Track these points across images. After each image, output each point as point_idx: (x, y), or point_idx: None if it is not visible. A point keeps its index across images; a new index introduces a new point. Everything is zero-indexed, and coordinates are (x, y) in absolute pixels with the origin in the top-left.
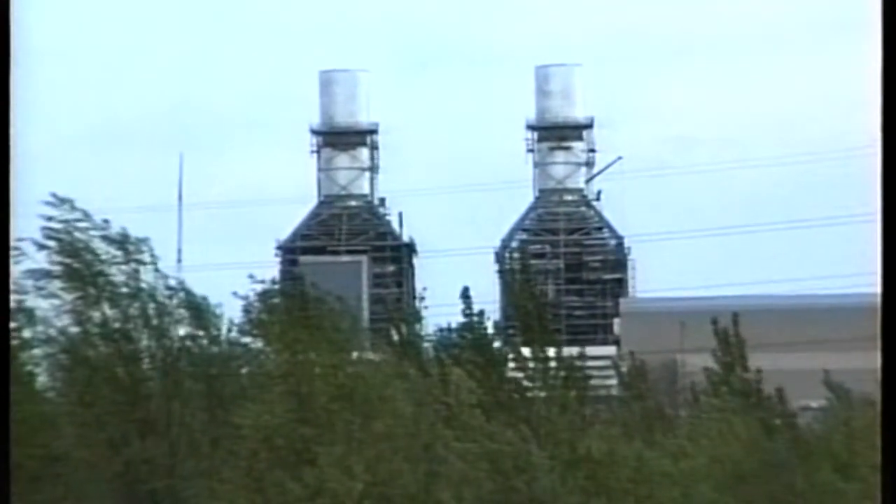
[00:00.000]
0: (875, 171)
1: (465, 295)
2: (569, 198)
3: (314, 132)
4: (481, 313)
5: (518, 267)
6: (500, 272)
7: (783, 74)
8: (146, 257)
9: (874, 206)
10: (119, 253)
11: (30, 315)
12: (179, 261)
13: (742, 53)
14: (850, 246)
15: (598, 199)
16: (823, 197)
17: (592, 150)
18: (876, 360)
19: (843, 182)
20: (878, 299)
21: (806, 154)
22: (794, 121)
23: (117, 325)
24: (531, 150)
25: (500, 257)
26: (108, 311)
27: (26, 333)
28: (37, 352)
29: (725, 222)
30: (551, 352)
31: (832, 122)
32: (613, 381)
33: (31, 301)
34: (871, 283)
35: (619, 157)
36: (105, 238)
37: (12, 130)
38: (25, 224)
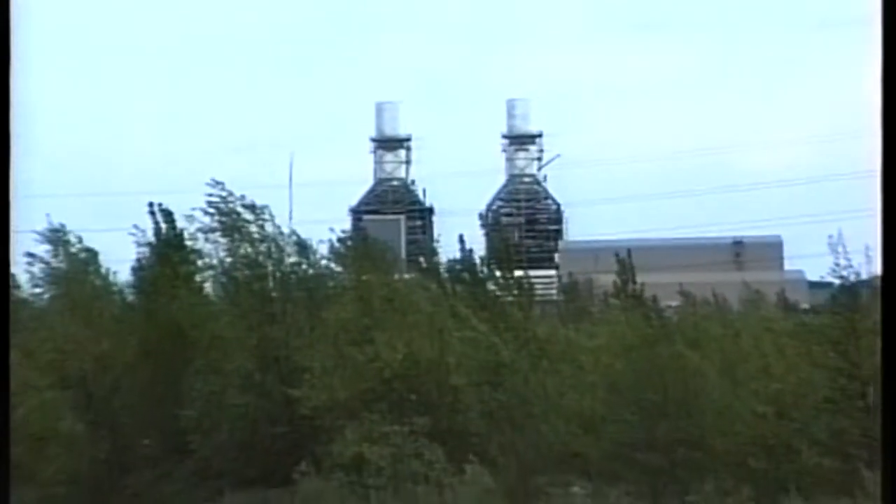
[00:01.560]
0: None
1: (461, 240)
2: (527, 180)
3: (372, 140)
4: (472, 250)
5: (493, 222)
6: (483, 226)
7: (679, 110)
8: (267, 216)
9: (724, 181)
10: (251, 214)
11: (199, 253)
12: (291, 218)
13: (643, 94)
14: (705, 208)
15: (545, 180)
16: (687, 177)
17: (542, 151)
18: (710, 277)
19: (703, 167)
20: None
21: (678, 152)
22: (677, 133)
23: (252, 257)
24: (504, 150)
25: (484, 216)
26: (248, 249)
27: (199, 263)
28: (204, 275)
29: (624, 193)
30: (514, 274)
31: (697, 136)
32: (555, 291)
33: (200, 245)
34: (713, 230)
35: (559, 155)
36: (243, 205)
37: (18, 133)
38: (197, 198)
